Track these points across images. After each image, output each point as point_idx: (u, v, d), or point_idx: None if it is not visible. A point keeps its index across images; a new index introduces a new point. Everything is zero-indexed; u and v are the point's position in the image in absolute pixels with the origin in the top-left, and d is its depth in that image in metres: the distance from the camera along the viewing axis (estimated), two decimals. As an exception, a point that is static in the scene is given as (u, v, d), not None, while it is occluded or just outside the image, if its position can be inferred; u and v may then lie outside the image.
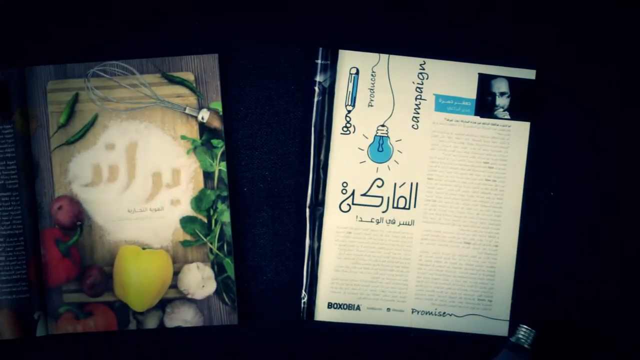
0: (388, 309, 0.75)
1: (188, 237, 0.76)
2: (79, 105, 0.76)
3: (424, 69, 0.75)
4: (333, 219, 0.75)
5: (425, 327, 0.75)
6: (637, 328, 0.75)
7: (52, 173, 0.76)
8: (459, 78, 0.74)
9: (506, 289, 0.75)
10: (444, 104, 0.75)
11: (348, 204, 0.75)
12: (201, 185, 0.76)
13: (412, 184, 0.75)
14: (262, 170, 0.76)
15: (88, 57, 0.76)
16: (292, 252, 0.76)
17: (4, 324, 0.76)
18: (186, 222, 0.76)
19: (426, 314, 0.75)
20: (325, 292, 0.75)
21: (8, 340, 0.75)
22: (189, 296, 0.76)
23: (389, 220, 0.75)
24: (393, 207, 0.75)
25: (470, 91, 0.74)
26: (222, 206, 0.75)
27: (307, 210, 0.75)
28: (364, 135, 0.75)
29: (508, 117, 0.75)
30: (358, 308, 0.75)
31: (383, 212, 0.75)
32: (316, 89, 0.75)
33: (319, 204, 0.75)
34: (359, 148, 0.75)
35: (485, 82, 0.74)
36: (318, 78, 0.75)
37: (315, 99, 0.75)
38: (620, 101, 0.75)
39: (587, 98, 0.75)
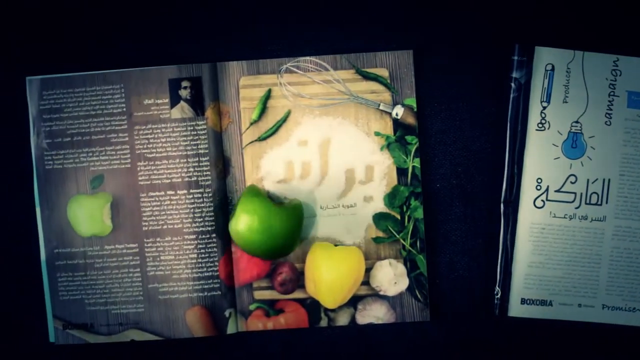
0: (579, 305, 0.76)
1: (381, 234, 0.76)
2: (271, 101, 0.75)
3: (617, 66, 0.75)
4: (527, 215, 0.75)
5: (616, 323, 0.76)
6: None
7: (244, 170, 0.76)
8: (651, 75, 0.75)
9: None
10: (637, 100, 0.75)
11: (542, 200, 0.75)
12: (394, 181, 0.75)
13: (604, 180, 0.75)
14: (455, 166, 0.76)
15: (281, 53, 0.75)
16: (484, 248, 0.76)
17: (195, 322, 0.75)
18: (379, 218, 0.76)
19: (617, 309, 0.76)
20: (519, 288, 0.75)
21: (199, 338, 0.75)
22: (381, 293, 0.76)
23: (582, 216, 0.75)
24: (585, 204, 0.75)
25: (662, 88, 0.75)
26: (415, 202, 0.75)
27: (502, 206, 0.75)
28: (558, 131, 0.75)
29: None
30: (550, 304, 0.76)
31: (576, 208, 0.75)
32: (512, 85, 0.75)
33: (513, 200, 0.75)
34: (554, 144, 0.75)
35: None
36: (514, 74, 0.75)
37: (511, 95, 0.75)
38: None
39: None
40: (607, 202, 0.75)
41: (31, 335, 0.77)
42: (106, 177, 0.75)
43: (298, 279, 0.76)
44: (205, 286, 0.75)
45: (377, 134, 0.75)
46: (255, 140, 0.75)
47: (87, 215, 0.75)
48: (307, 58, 0.75)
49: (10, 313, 0.77)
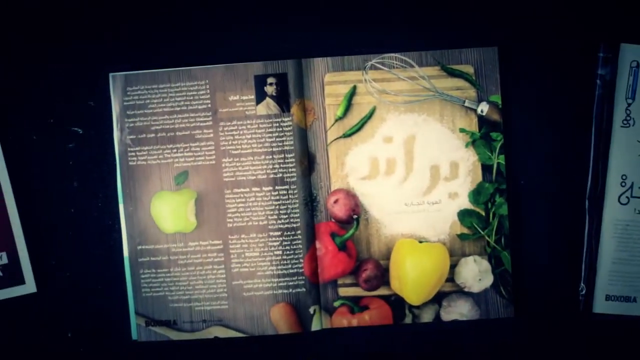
0: (663, 301, 0.76)
1: (465, 230, 0.76)
2: (356, 97, 0.75)
3: (701, 63, 0.75)
4: (612, 212, 0.75)
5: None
6: None
7: (329, 166, 0.75)
8: None
9: None
10: None
11: (627, 197, 0.75)
12: (479, 178, 0.75)
13: (688, 176, 0.75)
14: (540, 162, 0.76)
15: (366, 50, 0.75)
16: (568, 245, 0.76)
17: (280, 319, 0.75)
18: (464, 215, 0.76)
19: (701, 305, 0.76)
20: (603, 284, 0.75)
21: (283, 335, 0.75)
22: (466, 289, 0.76)
23: (666, 212, 0.75)
24: (669, 200, 0.75)
25: None
26: (500, 199, 0.75)
27: (587, 202, 0.75)
28: (643, 128, 0.75)
29: None
30: (635, 300, 0.76)
31: (660, 204, 0.75)
32: (597, 82, 0.75)
33: (597, 196, 0.75)
34: (638, 141, 0.75)
35: None
36: (600, 71, 0.75)
37: (597, 92, 0.75)
38: None
39: None
40: (690, 199, 0.75)
41: (113, 333, 0.77)
42: (190, 174, 0.75)
43: (383, 276, 0.76)
44: (290, 283, 0.75)
45: (462, 130, 0.75)
46: (340, 137, 0.75)
47: (171, 211, 0.75)
48: (393, 55, 0.75)
49: (93, 310, 0.77)
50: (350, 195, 0.75)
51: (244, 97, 0.75)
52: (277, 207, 0.75)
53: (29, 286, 0.77)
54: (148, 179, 0.75)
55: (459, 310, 0.76)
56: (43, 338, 0.77)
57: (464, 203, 0.75)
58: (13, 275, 0.77)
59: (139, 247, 0.76)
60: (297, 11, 0.75)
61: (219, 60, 0.75)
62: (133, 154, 0.75)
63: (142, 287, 0.76)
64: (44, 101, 0.76)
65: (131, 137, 0.75)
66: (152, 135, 0.75)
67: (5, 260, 0.77)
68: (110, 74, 0.75)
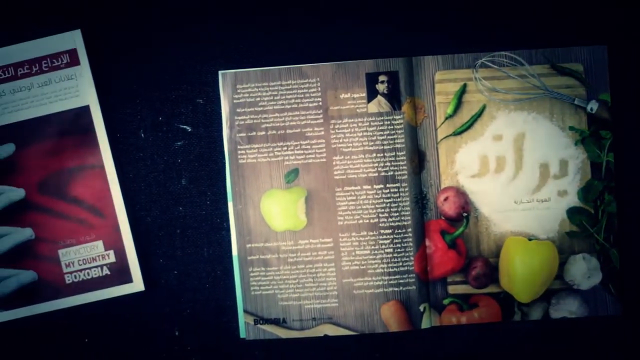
0: None
1: (574, 228, 0.76)
2: (466, 95, 0.75)
3: None
4: None
5: None
6: None
7: (439, 164, 0.76)
8: None
9: None
10: None
11: None
12: (588, 176, 0.76)
13: None
14: (649, 161, 0.76)
15: (476, 48, 0.75)
16: (676, 243, 0.76)
17: (390, 316, 0.75)
18: (573, 213, 0.76)
19: None
20: None
21: (392, 333, 0.75)
22: (575, 287, 0.76)
23: None
24: None
25: None
26: (609, 197, 0.76)
27: (696, 200, 0.75)
28: None
29: None
30: None
31: None
32: None
33: None
34: None
35: None
36: None
37: None
38: None
39: None
40: None
41: (222, 331, 0.77)
42: (301, 172, 0.75)
43: (492, 273, 0.76)
44: (401, 281, 0.75)
45: (571, 128, 0.75)
46: (450, 135, 0.75)
47: (281, 209, 0.75)
48: (503, 53, 0.75)
49: (201, 309, 0.76)
50: (460, 193, 0.75)
51: (355, 95, 0.75)
52: (388, 204, 0.75)
53: (137, 285, 0.77)
54: (258, 176, 0.75)
55: (567, 308, 0.76)
56: (150, 336, 0.77)
57: (573, 201, 0.76)
58: (121, 274, 0.76)
59: (248, 245, 0.76)
60: (407, 9, 0.75)
61: (330, 58, 0.75)
62: (243, 151, 0.75)
63: (251, 285, 0.76)
64: (153, 99, 0.76)
65: (241, 134, 0.75)
66: (263, 133, 0.75)
67: (113, 259, 0.77)
68: (220, 72, 0.75)
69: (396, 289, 0.75)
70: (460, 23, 0.75)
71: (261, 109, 0.75)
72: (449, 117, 0.75)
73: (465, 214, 0.75)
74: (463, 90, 0.75)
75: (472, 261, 0.76)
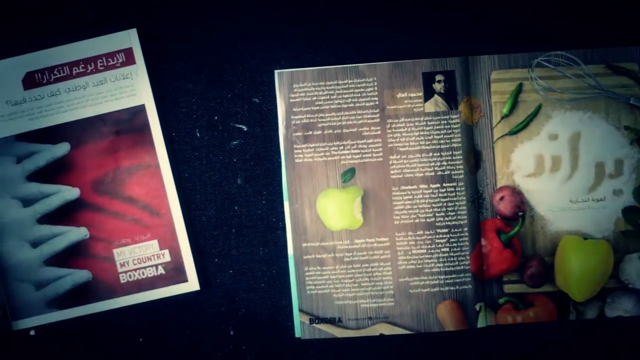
0: None
1: (629, 227, 0.76)
2: (522, 95, 0.76)
3: None
4: None
5: None
6: None
7: (494, 163, 0.76)
8: None
9: None
10: None
11: None
12: (644, 175, 0.76)
13: None
14: (703, 160, 0.76)
15: (531, 47, 0.75)
16: None
17: (446, 315, 0.75)
18: (628, 212, 0.76)
19: None
20: None
21: (448, 332, 0.75)
22: (630, 286, 0.76)
23: None
24: None
25: None
26: (663, 196, 0.76)
27: None
28: None
29: None
30: None
31: None
32: None
33: None
34: None
35: None
36: None
37: None
38: None
39: None
40: None
41: (277, 331, 0.77)
42: (357, 171, 0.75)
43: (547, 272, 0.76)
44: (457, 280, 0.75)
45: (626, 128, 0.76)
46: (506, 134, 0.75)
47: (338, 209, 0.75)
48: (558, 52, 0.75)
49: (256, 308, 0.76)
50: (516, 192, 0.75)
51: (412, 94, 0.75)
52: (445, 204, 0.75)
53: (192, 284, 0.77)
54: (314, 176, 0.75)
55: (623, 307, 0.76)
56: (205, 336, 0.77)
57: (629, 200, 0.76)
58: (176, 273, 0.76)
59: (304, 245, 0.76)
60: (463, 9, 0.75)
61: (385, 57, 0.75)
62: (299, 151, 0.75)
63: (307, 284, 0.76)
64: (209, 98, 0.76)
65: (297, 134, 0.75)
66: (319, 132, 0.75)
67: (168, 258, 0.76)
68: (276, 71, 0.75)
69: (452, 288, 0.75)
70: (516, 23, 0.75)
71: (317, 108, 0.75)
72: (504, 116, 0.75)
73: (520, 213, 0.75)
74: (519, 90, 0.75)
75: (527, 260, 0.76)
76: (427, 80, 0.75)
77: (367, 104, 0.75)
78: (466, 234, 0.75)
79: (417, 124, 0.75)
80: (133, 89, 0.76)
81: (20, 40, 0.75)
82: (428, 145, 0.75)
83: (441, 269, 0.75)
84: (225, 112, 0.76)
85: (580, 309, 0.76)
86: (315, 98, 0.75)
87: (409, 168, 0.75)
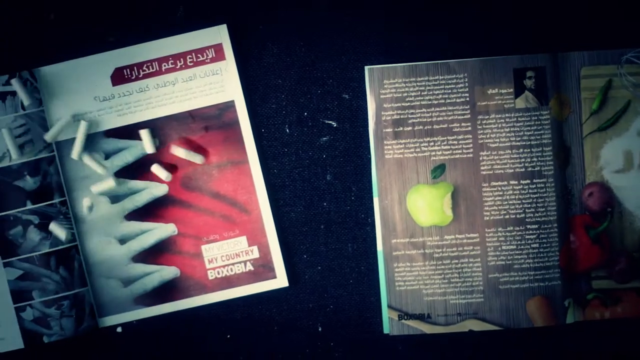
0: None
1: None
2: (611, 91, 0.76)
3: None
4: None
5: None
6: None
7: (584, 159, 0.76)
8: None
9: None
10: None
11: None
12: None
13: None
14: None
15: (621, 44, 0.76)
16: None
17: (536, 311, 0.75)
18: None
19: None
20: None
21: (537, 328, 0.75)
22: None
23: None
24: None
25: None
26: None
27: None
28: None
29: None
30: None
31: None
32: None
33: None
34: None
35: None
36: None
37: None
38: None
39: None
40: None
41: (365, 327, 0.77)
42: (447, 167, 0.75)
43: (636, 268, 0.76)
44: (546, 276, 0.75)
45: None
46: (595, 131, 0.76)
47: (428, 205, 0.75)
48: (647, 48, 0.75)
49: (344, 304, 0.76)
50: (605, 188, 0.76)
51: (503, 91, 0.75)
52: (535, 200, 0.75)
53: (281, 280, 0.77)
54: (404, 172, 0.75)
55: None
56: (293, 332, 0.77)
57: None
58: (265, 270, 0.76)
59: (394, 241, 0.76)
60: (552, 5, 0.75)
61: (474, 54, 0.75)
62: (389, 147, 0.75)
63: (396, 280, 0.76)
64: (298, 94, 0.76)
65: (387, 130, 0.75)
66: (409, 128, 0.75)
67: (256, 254, 0.76)
68: (366, 67, 0.75)
69: (541, 284, 0.75)
70: (605, 19, 0.75)
71: (408, 104, 0.75)
72: (594, 112, 0.75)
73: (609, 209, 0.76)
74: (608, 86, 0.75)
75: (616, 256, 0.76)
76: (518, 77, 0.75)
77: (457, 100, 0.75)
78: (555, 230, 0.75)
79: (507, 120, 0.75)
80: (222, 85, 0.75)
81: (108, 36, 0.75)
82: (518, 141, 0.75)
83: (530, 265, 0.75)
84: (315, 108, 0.76)
85: (669, 305, 0.76)
86: (405, 94, 0.75)
87: (499, 164, 0.75)
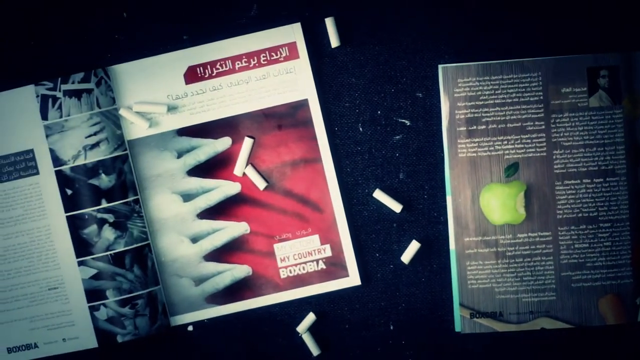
0: None
1: None
2: (683, 90, 0.76)
3: None
4: None
5: None
6: None
7: (660, 158, 0.76)
8: None
9: None
10: None
11: None
12: None
13: None
14: None
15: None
16: None
17: (608, 310, 0.76)
18: None
19: None
20: None
21: (608, 326, 0.75)
22: None
23: None
24: None
25: None
26: None
27: None
28: None
29: None
30: None
31: None
32: None
33: None
34: None
35: None
36: None
37: None
38: None
39: None
40: None
41: (436, 325, 0.77)
42: (521, 166, 0.75)
43: None
44: (618, 274, 0.76)
45: None
46: (671, 130, 0.76)
47: (501, 203, 0.75)
48: None
49: (415, 303, 0.77)
50: (676, 187, 0.76)
51: (577, 89, 0.75)
52: (608, 198, 0.75)
53: (353, 279, 0.77)
54: (477, 170, 0.75)
55: None
56: (365, 330, 0.77)
57: None
58: (337, 268, 0.76)
59: (466, 239, 0.76)
60: (625, 2, 0.75)
61: (546, 52, 0.75)
62: (462, 145, 0.75)
63: (468, 279, 0.76)
64: (372, 93, 0.76)
65: (461, 128, 0.75)
66: (483, 127, 0.75)
67: (329, 253, 0.76)
68: (440, 66, 0.75)
69: (614, 282, 0.76)
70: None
71: (482, 103, 0.75)
72: (626, 113, 0.76)
73: (675, 208, 0.76)
74: (681, 85, 0.76)
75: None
76: (592, 76, 0.75)
77: (531, 99, 0.75)
78: (628, 228, 0.75)
79: (581, 118, 0.75)
80: (296, 84, 0.75)
81: (182, 35, 0.75)
82: (592, 140, 0.75)
83: (603, 263, 0.76)
84: (389, 106, 0.76)
85: None
86: (479, 93, 0.75)
87: (572, 163, 0.75)
